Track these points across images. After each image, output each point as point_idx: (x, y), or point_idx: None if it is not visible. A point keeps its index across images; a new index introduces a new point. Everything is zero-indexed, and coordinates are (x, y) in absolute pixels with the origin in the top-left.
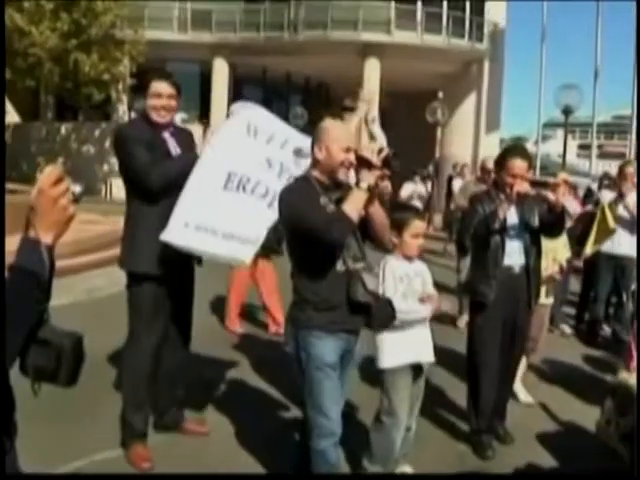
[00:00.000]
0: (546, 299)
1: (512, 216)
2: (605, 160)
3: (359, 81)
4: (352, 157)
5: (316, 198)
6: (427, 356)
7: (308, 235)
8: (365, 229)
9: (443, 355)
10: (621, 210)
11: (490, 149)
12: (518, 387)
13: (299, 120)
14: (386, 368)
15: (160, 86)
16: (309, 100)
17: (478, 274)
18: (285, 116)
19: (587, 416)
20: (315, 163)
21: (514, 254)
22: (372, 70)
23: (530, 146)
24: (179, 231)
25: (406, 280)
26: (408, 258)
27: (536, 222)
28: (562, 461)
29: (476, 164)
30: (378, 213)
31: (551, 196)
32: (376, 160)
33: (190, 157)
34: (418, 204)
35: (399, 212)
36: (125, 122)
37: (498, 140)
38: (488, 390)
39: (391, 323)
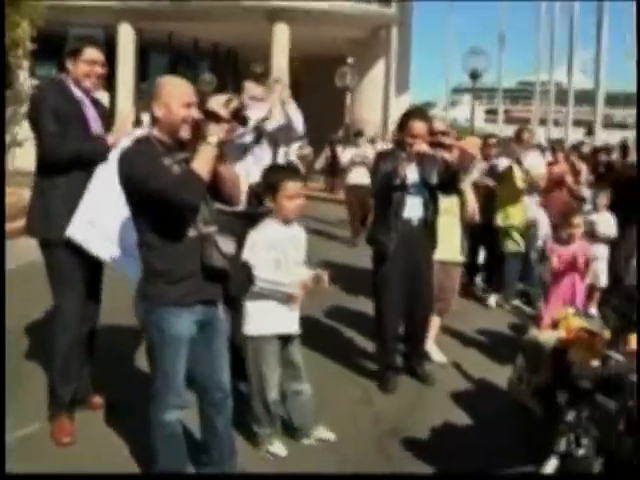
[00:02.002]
0: (457, 257)
1: (413, 173)
2: (511, 125)
3: (268, 47)
4: (194, 113)
5: (159, 159)
6: (292, 328)
7: (154, 199)
8: (215, 189)
9: None
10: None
11: (399, 114)
12: (431, 347)
13: (208, 86)
14: (249, 335)
15: (94, 53)
16: (217, 66)
17: (380, 226)
18: (194, 82)
19: (500, 375)
20: (155, 121)
21: (414, 208)
22: (281, 36)
23: (439, 111)
24: (82, 228)
25: (280, 246)
26: (285, 222)
27: (434, 179)
28: (476, 419)
29: (386, 128)
30: (228, 171)
31: (447, 156)
32: (224, 112)
33: (102, 146)
34: (363, 169)
35: (272, 173)
36: (42, 88)
37: (407, 105)
38: (392, 330)
39: (248, 288)
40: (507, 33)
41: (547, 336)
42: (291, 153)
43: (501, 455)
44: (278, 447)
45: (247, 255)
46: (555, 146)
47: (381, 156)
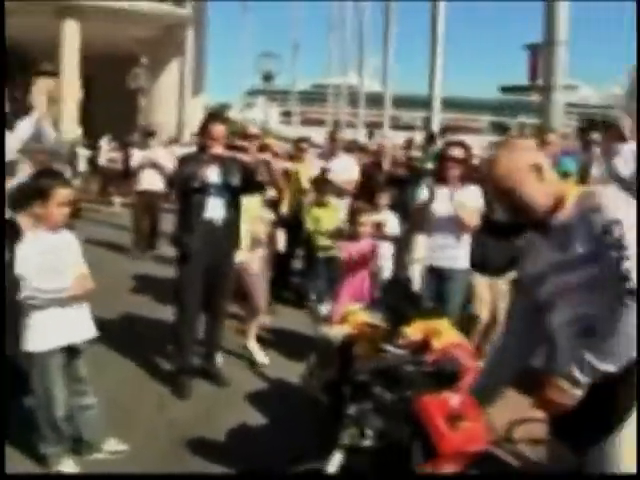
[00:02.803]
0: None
1: (214, 175)
2: (305, 127)
3: (57, 43)
4: None
5: None
6: (83, 334)
7: None
8: None
9: None
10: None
11: (195, 115)
12: (253, 347)
13: None
14: (32, 352)
15: None
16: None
17: (182, 228)
18: None
19: (297, 373)
20: None
21: (215, 209)
22: (71, 33)
23: (235, 113)
24: None
25: (54, 253)
26: (54, 229)
27: (236, 181)
28: (272, 418)
29: (180, 130)
30: None
31: (245, 158)
32: None
33: None
34: (154, 173)
35: (43, 179)
36: None
37: (203, 107)
38: (187, 332)
39: None
40: (301, 36)
41: (336, 332)
42: (102, 156)
43: (296, 452)
44: (68, 465)
45: (20, 269)
46: (351, 147)
47: (183, 159)
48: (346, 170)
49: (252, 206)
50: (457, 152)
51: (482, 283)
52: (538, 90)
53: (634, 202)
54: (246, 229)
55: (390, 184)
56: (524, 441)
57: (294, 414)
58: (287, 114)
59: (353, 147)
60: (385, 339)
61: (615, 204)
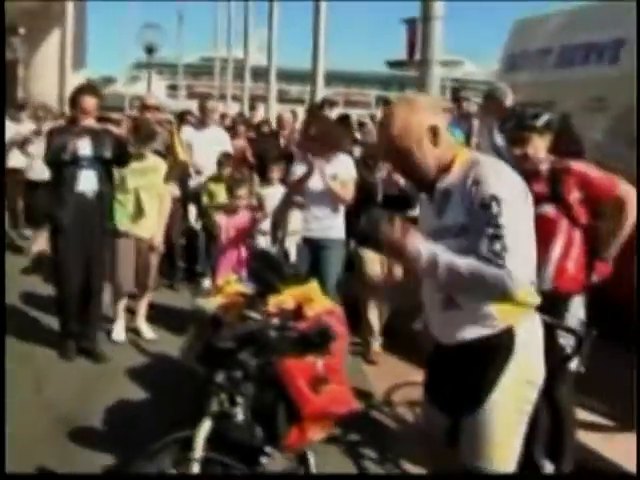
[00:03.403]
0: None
1: (85, 148)
2: (194, 100)
3: None
4: None
5: None
6: None
7: None
8: None
9: None
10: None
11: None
12: (141, 324)
13: None
14: None
15: None
16: None
17: (54, 201)
18: None
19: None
20: None
21: (88, 182)
22: None
23: (119, 87)
24: None
25: None
26: None
27: (108, 153)
28: (152, 392)
29: (62, 102)
30: None
31: (115, 130)
32: None
33: None
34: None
35: None
36: None
37: (85, 79)
38: (67, 301)
39: None
40: (187, 7)
41: (210, 303)
42: None
43: (175, 424)
44: None
45: None
46: (237, 120)
47: (52, 131)
48: (218, 141)
49: (157, 182)
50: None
51: (372, 258)
52: (415, 65)
53: (518, 179)
54: (148, 203)
55: (284, 158)
56: (402, 404)
57: (174, 387)
58: (174, 88)
59: (238, 120)
60: (249, 306)
61: (498, 179)
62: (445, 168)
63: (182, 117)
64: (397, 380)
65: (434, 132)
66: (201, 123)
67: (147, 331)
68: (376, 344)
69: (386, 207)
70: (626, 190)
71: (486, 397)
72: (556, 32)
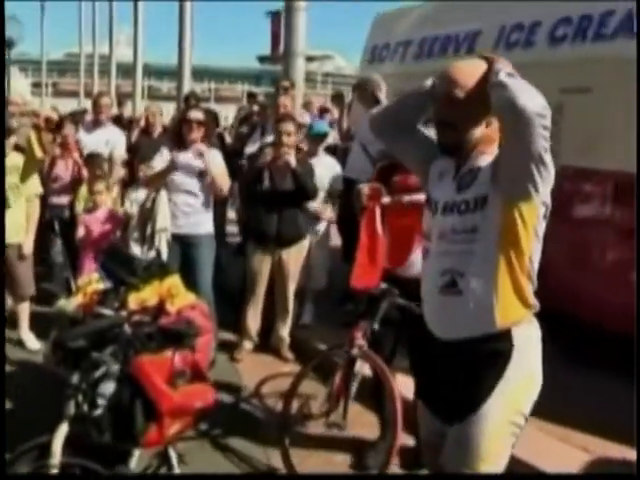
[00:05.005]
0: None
1: None
2: (60, 98)
3: None
4: None
5: None
6: None
7: None
8: None
9: None
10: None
11: None
12: (26, 335)
13: None
14: None
15: None
16: None
17: None
18: None
19: None
20: None
21: None
22: None
23: None
24: None
25: None
26: None
27: None
28: (22, 400)
29: None
30: None
31: None
32: None
33: None
34: None
35: None
36: None
37: None
38: None
39: None
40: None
41: (71, 304)
42: None
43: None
44: None
45: None
46: None
47: None
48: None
49: (25, 182)
50: (196, 115)
51: (257, 257)
52: (279, 58)
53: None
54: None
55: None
56: (273, 395)
57: (41, 394)
58: (38, 85)
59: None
60: (99, 303)
61: None
62: (482, 150)
63: (74, 117)
64: (267, 372)
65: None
66: (93, 122)
67: (31, 341)
68: (248, 344)
69: (265, 204)
70: None
71: (478, 405)
72: (416, 25)
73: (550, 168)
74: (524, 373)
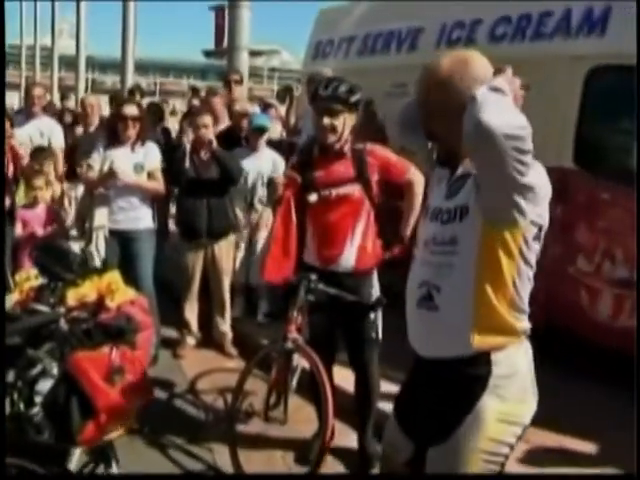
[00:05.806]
0: None
1: None
2: (9, 92)
3: None
4: None
5: None
6: None
7: None
8: None
9: None
10: None
11: None
12: None
13: None
14: None
15: None
16: None
17: None
18: None
19: None
20: None
21: None
22: None
23: None
24: None
25: None
26: None
27: None
28: None
29: None
30: None
31: None
32: None
33: None
34: None
35: None
36: None
37: None
38: None
39: None
40: None
41: (8, 301)
42: None
43: None
44: None
45: None
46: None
47: None
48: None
49: None
50: (130, 110)
51: (189, 251)
52: (223, 52)
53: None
54: None
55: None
56: (209, 391)
57: None
58: None
59: (49, 110)
60: (35, 299)
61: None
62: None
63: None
64: (203, 367)
65: None
66: (25, 113)
67: None
68: (190, 340)
69: (192, 194)
70: (415, 174)
71: (448, 433)
72: (360, 21)
73: (537, 187)
74: (503, 401)
